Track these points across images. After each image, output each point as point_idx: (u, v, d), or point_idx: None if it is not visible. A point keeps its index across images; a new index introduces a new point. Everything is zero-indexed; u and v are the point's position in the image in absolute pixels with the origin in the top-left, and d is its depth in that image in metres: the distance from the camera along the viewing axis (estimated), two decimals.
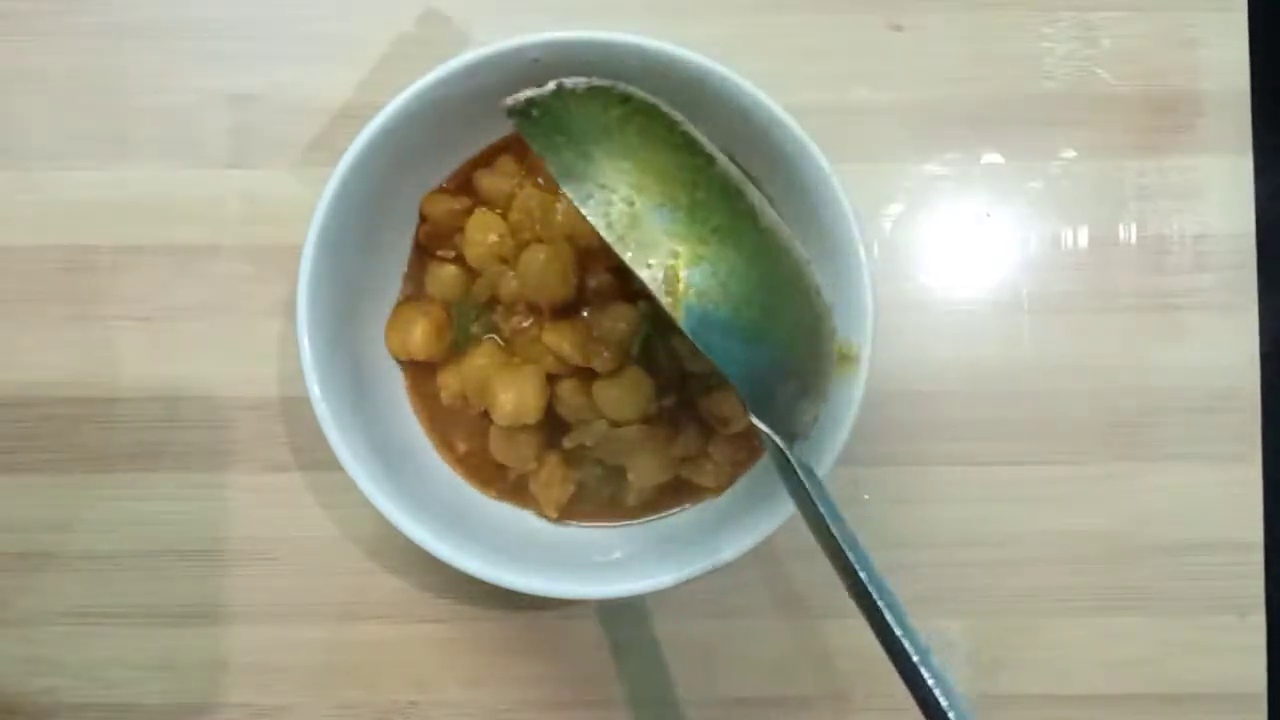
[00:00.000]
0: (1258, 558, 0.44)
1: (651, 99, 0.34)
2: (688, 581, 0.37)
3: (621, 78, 0.38)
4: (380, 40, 0.45)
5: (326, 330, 0.39)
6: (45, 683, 0.44)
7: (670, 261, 0.33)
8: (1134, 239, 0.45)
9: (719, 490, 0.41)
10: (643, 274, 0.32)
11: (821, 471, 0.37)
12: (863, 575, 0.30)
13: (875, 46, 0.46)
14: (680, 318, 0.32)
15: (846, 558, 0.30)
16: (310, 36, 0.46)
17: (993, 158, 0.46)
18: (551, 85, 0.33)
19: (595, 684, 0.44)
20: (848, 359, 0.38)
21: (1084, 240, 0.46)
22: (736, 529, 0.38)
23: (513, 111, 0.33)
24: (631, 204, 0.33)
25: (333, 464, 0.37)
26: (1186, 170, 0.45)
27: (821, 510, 0.31)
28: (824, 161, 0.38)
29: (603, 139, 0.33)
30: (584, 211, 0.32)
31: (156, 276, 0.45)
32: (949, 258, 0.45)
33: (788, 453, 0.33)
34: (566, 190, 0.33)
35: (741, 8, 0.46)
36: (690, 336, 0.32)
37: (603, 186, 0.33)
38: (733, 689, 0.44)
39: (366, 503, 0.37)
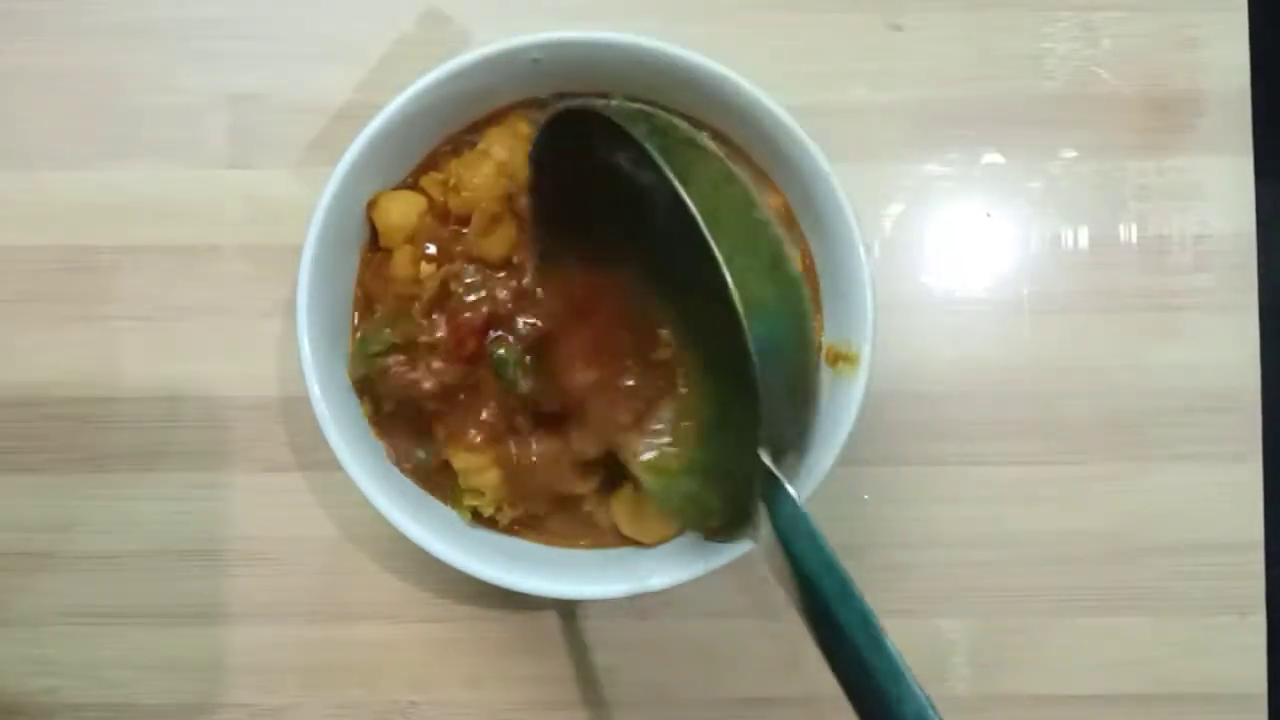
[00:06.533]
0: (1258, 558, 0.44)
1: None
2: (687, 582, 0.37)
3: (621, 78, 0.38)
4: (380, 40, 0.45)
5: (326, 330, 0.39)
6: (45, 683, 0.44)
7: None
8: (1134, 239, 0.45)
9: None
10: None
11: (821, 472, 0.37)
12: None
13: (875, 46, 0.46)
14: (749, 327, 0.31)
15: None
16: (310, 36, 0.46)
17: (993, 158, 0.46)
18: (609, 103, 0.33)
19: (595, 684, 0.44)
20: (848, 359, 0.38)
21: (1084, 240, 0.46)
22: None
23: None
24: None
25: (333, 464, 0.37)
26: (1186, 170, 0.45)
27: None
28: (824, 161, 0.38)
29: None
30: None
31: (156, 276, 0.45)
32: (949, 258, 0.45)
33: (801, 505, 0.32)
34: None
35: (742, 8, 0.46)
36: (756, 354, 0.31)
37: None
38: (733, 689, 0.44)
39: (366, 503, 0.37)
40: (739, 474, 0.33)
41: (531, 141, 0.36)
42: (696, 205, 0.31)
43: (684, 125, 0.35)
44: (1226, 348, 0.45)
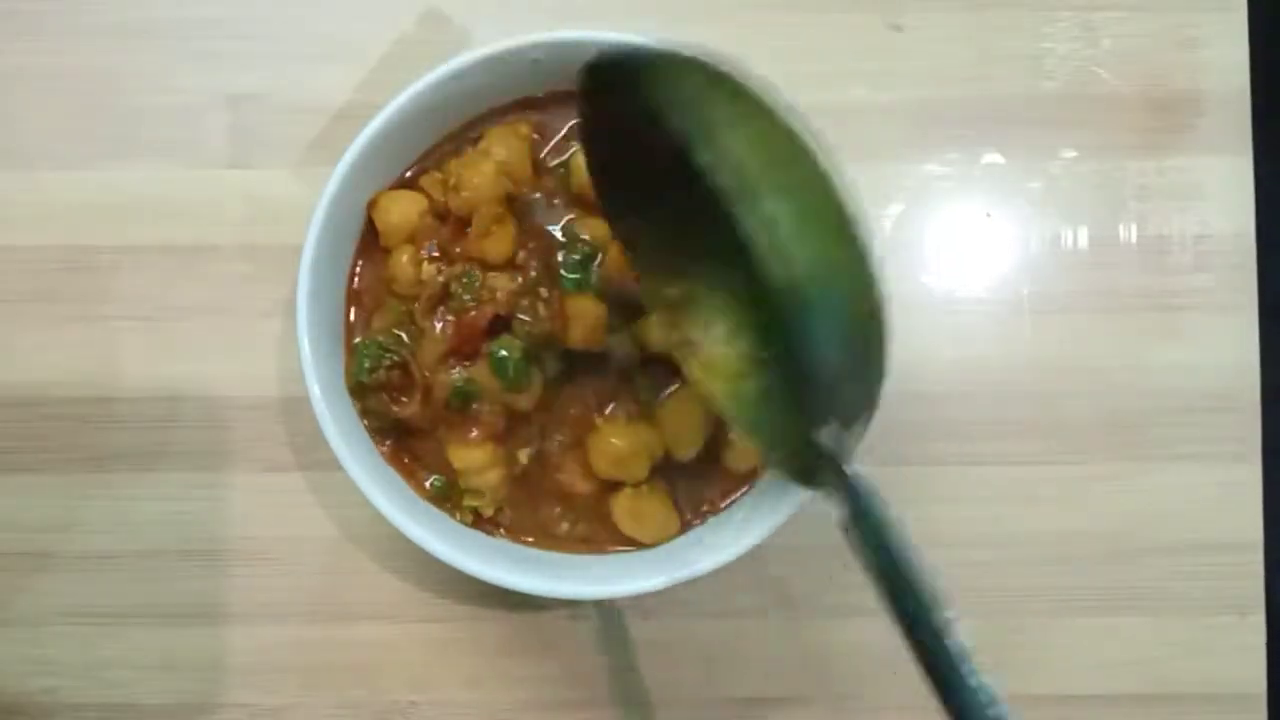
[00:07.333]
0: (1258, 558, 0.44)
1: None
2: (688, 582, 0.37)
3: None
4: (380, 40, 0.45)
5: (326, 330, 0.39)
6: (45, 683, 0.44)
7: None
8: (1134, 239, 0.45)
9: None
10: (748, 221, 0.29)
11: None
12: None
13: (875, 46, 0.46)
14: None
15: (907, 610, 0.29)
16: (310, 36, 0.46)
17: (993, 158, 0.46)
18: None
19: (595, 684, 0.44)
20: None
21: (1084, 240, 0.46)
22: (737, 529, 0.38)
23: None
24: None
25: (333, 464, 0.37)
26: (1186, 170, 0.45)
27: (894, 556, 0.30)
28: None
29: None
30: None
31: (156, 276, 0.45)
32: (949, 258, 0.45)
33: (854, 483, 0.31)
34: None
35: (742, 8, 0.46)
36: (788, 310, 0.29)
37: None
38: (733, 689, 0.44)
39: (366, 503, 0.37)
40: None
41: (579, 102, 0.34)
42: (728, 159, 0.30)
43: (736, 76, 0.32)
44: (1226, 348, 0.45)
